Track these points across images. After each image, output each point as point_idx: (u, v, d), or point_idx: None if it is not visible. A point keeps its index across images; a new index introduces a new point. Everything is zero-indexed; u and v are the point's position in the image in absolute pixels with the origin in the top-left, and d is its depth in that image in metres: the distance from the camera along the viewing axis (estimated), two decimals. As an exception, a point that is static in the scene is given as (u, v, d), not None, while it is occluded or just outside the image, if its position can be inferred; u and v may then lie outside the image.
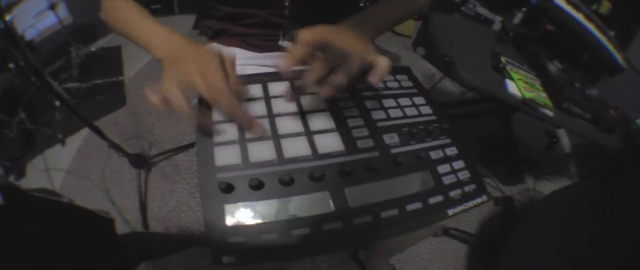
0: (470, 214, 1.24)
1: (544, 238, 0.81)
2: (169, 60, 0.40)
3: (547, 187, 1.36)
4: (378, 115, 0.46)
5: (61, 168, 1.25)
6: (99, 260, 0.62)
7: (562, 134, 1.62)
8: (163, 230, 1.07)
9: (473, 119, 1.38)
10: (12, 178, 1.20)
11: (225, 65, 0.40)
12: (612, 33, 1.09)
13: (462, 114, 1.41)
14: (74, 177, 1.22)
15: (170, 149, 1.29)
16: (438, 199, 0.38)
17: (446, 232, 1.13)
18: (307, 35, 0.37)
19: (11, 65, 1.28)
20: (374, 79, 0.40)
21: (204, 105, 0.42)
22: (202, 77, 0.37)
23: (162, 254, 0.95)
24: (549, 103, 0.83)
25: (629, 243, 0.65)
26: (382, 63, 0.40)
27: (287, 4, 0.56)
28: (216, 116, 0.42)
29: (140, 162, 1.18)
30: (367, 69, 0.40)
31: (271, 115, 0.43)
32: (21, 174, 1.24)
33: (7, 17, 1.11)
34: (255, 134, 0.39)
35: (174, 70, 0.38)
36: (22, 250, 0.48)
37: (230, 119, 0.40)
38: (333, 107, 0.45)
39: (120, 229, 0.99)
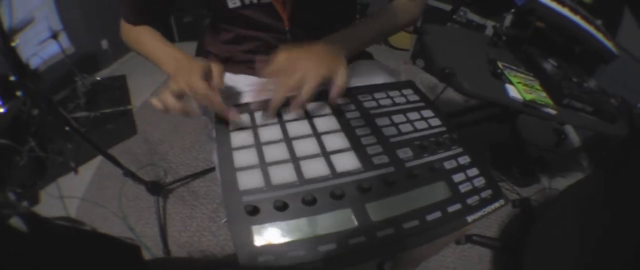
0: (490, 219, 1.24)
1: (561, 234, 0.81)
2: (172, 75, 0.50)
3: (562, 183, 1.36)
4: (390, 131, 0.48)
5: (75, 196, 1.27)
6: None
7: (570, 129, 1.62)
8: (185, 256, 1.07)
9: (480, 126, 1.40)
10: (25, 205, 1.21)
11: (212, 72, 0.48)
12: (599, 22, 1.11)
13: (468, 122, 1.42)
14: (89, 205, 1.24)
15: (186, 176, 1.31)
16: (456, 207, 0.40)
17: (469, 239, 1.13)
18: (281, 59, 0.48)
19: (19, 93, 1.32)
20: (331, 94, 0.48)
21: (222, 124, 0.48)
22: (187, 83, 0.45)
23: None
24: (550, 102, 0.85)
25: None
26: (338, 79, 0.47)
27: (287, 28, 0.59)
28: (235, 143, 0.45)
29: (157, 189, 1.20)
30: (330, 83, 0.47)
31: (288, 139, 0.45)
32: (35, 201, 1.25)
33: (13, 44, 1.14)
34: (232, 119, 0.46)
35: (172, 82, 0.47)
36: None
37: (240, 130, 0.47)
38: (346, 127, 0.48)
39: (144, 257, 1.00)
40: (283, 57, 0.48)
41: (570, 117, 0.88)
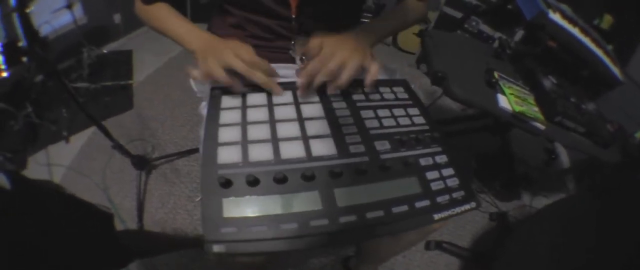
0: (464, 229, 1.24)
1: (535, 251, 0.81)
2: (203, 50, 0.51)
3: (543, 203, 1.36)
4: (372, 123, 0.48)
5: (62, 164, 1.27)
6: (96, 253, 0.63)
7: (561, 150, 1.62)
8: (158, 231, 1.08)
9: (471, 135, 1.40)
10: (12, 168, 1.21)
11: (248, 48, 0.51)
12: (610, 47, 1.11)
13: (460, 130, 1.43)
14: (74, 174, 1.24)
15: (172, 153, 1.31)
16: (424, 203, 0.40)
17: (439, 245, 1.13)
18: (316, 44, 0.50)
19: (25, 59, 1.32)
20: (366, 81, 0.51)
21: (217, 93, 0.50)
22: (237, 55, 0.48)
23: (153, 253, 0.96)
24: (541, 117, 0.84)
25: (628, 256, 0.64)
26: (373, 68, 0.51)
27: (294, 15, 0.59)
28: (223, 120, 0.46)
29: (142, 163, 1.20)
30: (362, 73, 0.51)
31: (273, 121, 0.46)
32: (22, 166, 1.26)
33: (27, 10, 1.13)
34: (277, 93, 0.50)
35: (210, 55, 0.49)
36: (25, 235, 0.50)
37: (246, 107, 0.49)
38: (330, 115, 0.48)
39: (117, 226, 1.00)
40: (317, 42, 0.50)
41: (560, 135, 0.88)
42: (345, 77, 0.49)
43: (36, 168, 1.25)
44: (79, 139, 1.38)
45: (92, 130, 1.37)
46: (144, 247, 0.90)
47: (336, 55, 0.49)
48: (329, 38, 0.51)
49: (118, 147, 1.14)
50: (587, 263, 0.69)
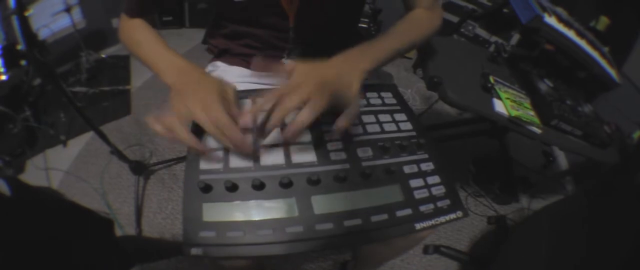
0: (462, 233, 1.23)
1: (531, 253, 0.80)
2: (175, 89, 0.44)
3: (542, 205, 1.34)
4: (355, 130, 0.48)
5: (60, 168, 1.28)
6: (97, 259, 0.63)
7: (559, 152, 1.61)
8: (156, 237, 1.08)
9: (468, 139, 1.39)
10: (10, 172, 1.23)
11: (226, 94, 0.43)
12: (606, 49, 1.10)
13: (457, 134, 1.41)
14: (72, 179, 1.25)
15: (170, 159, 1.31)
16: (406, 212, 0.39)
17: (437, 249, 1.12)
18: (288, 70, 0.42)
19: (23, 62, 1.34)
20: (339, 122, 0.40)
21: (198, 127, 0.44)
22: (204, 110, 0.39)
23: (153, 258, 0.96)
24: (537, 121, 0.84)
25: (625, 258, 0.63)
26: (352, 108, 0.41)
27: (291, 25, 0.58)
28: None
29: (140, 169, 1.21)
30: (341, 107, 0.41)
31: (255, 128, 0.45)
32: (20, 169, 1.27)
33: (26, 13, 1.13)
34: (245, 153, 0.41)
35: (179, 102, 0.41)
36: (25, 242, 0.50)
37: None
38: (313, 122, 0.48)
39: (116, 232, 1.01)
40: (290, 68, 0.42)
41: (556, 139, 0.87)
42: (298, 120, 0.38)
43: (34, 172, 1.26)
44: (77, 144, 1.39)
45: (90, 134, 1.38)
46: (143, 252, 0.91)
47: (298, 90, 0.38)
48: (304, 65, 0.42)
49: (116, 152, 1.15)
50: (583, 264, 0.68)
